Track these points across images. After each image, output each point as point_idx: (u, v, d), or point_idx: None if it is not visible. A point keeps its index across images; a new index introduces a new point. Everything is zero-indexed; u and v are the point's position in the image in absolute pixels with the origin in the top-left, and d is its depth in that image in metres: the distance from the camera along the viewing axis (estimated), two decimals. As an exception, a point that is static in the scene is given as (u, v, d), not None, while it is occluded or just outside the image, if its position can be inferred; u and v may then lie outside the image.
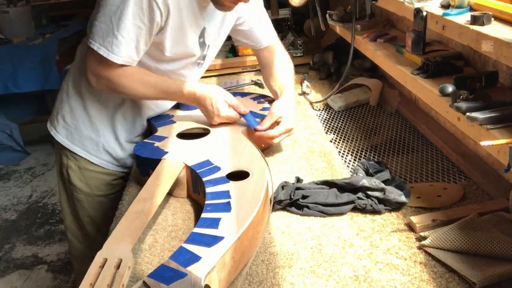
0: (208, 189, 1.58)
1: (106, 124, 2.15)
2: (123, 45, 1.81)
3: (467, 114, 1.45)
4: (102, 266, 1.29)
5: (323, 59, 2.96)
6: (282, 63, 2.34)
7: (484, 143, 1.32)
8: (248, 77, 3.00)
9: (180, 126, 2.06)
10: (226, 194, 1.54)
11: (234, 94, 2.37)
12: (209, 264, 1.25)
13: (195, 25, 1.96)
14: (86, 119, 2.14)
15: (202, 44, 2.05)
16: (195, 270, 1.23)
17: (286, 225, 1.59)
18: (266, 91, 2.62)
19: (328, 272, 1.37)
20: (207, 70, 2.90)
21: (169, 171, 1.72)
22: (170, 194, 1.78)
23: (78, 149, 2.18)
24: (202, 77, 2.97)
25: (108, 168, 2.22)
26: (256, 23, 2.27)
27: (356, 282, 1.32)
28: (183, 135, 1.97)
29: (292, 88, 2.26)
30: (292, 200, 1.64)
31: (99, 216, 2.29)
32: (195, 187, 1.73)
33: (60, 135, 2.19)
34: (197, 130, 2.03)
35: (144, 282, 1.21)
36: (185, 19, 1.90)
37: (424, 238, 1.43)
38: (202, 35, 2.02)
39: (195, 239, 1.36)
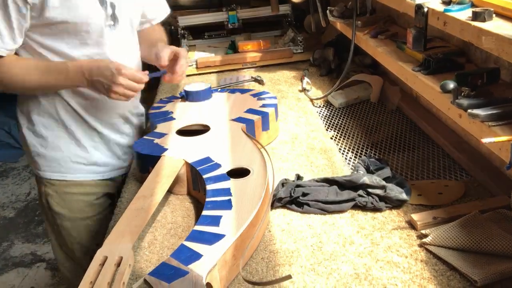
0: (209, 187, 1.58)
1: (59, 134, 2.05)
2: None
3: (469, 111, 1.44)
4: (102, 264, 1.29)
5: (324, 56, 2.96)
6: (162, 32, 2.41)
7: (485, 140, 1.32)
8: (248, 74, 2.99)
9: (180, 122, 2.06)
10: (227, 192, 1.54)
11: (233, 90, 2.37)
12: (211, 262, 1.25)
13: None
14: (39, 141, 2.06)
15: (103, 2, 1.91)
16: (197, 268, 1.23)
17: (286, 222, 1.59)
18: (266, 88, 2.62)
19: (328, 270, 1.37)
20: (206, 67, 2.91)
21: (169, 168, 1.72)
22: (169, 191, 1.78)
23: (49, 173, 2.09)
24: (200, 73, 2.98)
25: (86, 181, 2.12)
26: None
27: (356, 280, 1.32)
28: (182, 132, 1.97)
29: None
30: (292, 197, 1.64)
31: (87, 240, 2.19)
32: (195, 184, 1.73)
33: (32, 166, 2.14)
34: (197, 127, 2.03)
35: (145, 280, 1.21)
36: None
37: (425, 235, 1.43)
38: None
39: (196, 236, 1.36)
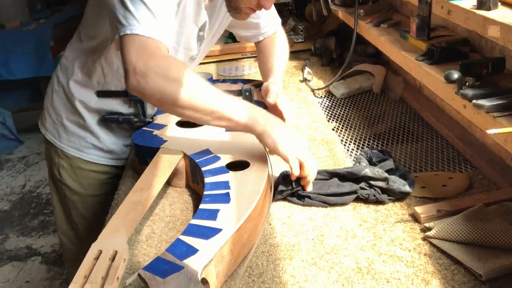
0: (207, 179, 1.58)
1: (93, 118, 2.07)
2: (157, 19, 1.52)
3: (473, 101, 1.44)
4: (97, 258, 1.29)
5: (325, 45, 2.96)
6: (281, 51, 2.30)
7: (490, 131, 1.32)
8: (247, 63, 2.99)
9: None
10: (226, 185, 1.54)
11: (235, 81, 2.37)
12: (207, 257, 1.25)
13: (198, 17, 1.85)
14: (72, 115, 2.07)
15: (200, 38, 1.95)
16: (192, 263, 1.22)
17: (287, 215, 1.59)
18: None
19: (330, 264, 1.37)
20: (206, 56, 2.90)
21: (167, 160, 1.72)
22: (168, 183, 1.78)
23: (67, 147, 2.12)
24: (200, 63, 2.97)
25: (101, 164, 2.16)
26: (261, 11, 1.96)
27: (359, 274, 1.32)
28: (182, 123, 1.97)
29: (282, 71, 2.23)
30: (293, 190, 1.64)
31: (92, 216, 2.23)
32: (194, 177, 1.73)
33: (49, 133, 2.14)
34: None
35: (139, 275, 1.21)
36: (190, 8, 1.79)
37: (429, 229, 1.43)
38: (202, 28, 1.91)
39: (192, 231, 1.35)
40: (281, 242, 1.47)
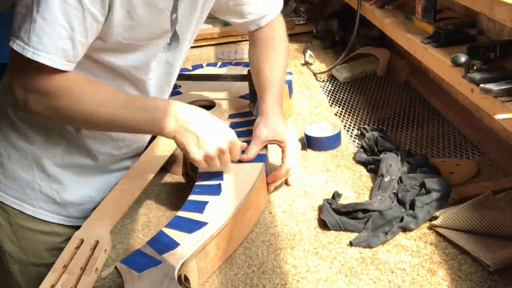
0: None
1: (44, 150, 1.64)
2: (47, 33, 1.28)
3: (481, 85, 1.43)
4: (78, 247, 1.29)
5: (328, 27, 2.94)
6: (281, 48, 1.86)
7: (499, 116, 1.31)
8: (247, 47, 2.98)
9: (185, 97, 2.00)
10: (219, 175, 1.53)
11: (236, 64, 2.34)
12: (187, 251, 1.23)
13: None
14: (12, 149, 1.64)
15: (174, 22, 1.56)
16: (171, 257, 1.21)
17: (288, 204, 1.58)
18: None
19: (332, 254, 1.36)
20: (204, 39, 2.88)
21: (164, 146, 1.71)
22: (167, 171, 1.77)
23: (3, 195, 1.66)
24: (197, 46, 2.95)
25: (51, 222, 1.69)
26: None
27: (362, 265, 1.31)
28: None
29: (281, 88, 1.79)
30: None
31: None
32: (191, 165, 1.71)
33: None
34: (203, 103, 2.00)
35: (116, 268, 1.20)
36: None
37: (435, 217, 1.42)
38: (174, 9, 1.53)
39: (176, 223, 1.34)
40: (282, 231, 1.46)
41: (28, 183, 1.64)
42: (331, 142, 1.87)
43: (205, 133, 1.45)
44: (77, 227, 1.43)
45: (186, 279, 1.22)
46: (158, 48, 1.58)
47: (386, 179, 1.57)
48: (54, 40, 1.29)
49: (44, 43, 1.28)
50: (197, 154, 1.45)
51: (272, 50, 1.83)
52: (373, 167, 1.68)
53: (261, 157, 1.59)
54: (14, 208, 1.66)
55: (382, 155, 1.67)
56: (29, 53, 1.28)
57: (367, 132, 1.82)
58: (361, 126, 2.05)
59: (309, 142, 1.88)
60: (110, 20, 1.38)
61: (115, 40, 1.44)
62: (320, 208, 1.51)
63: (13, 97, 1.40)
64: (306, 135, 1.88)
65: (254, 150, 1.59)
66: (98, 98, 1.42)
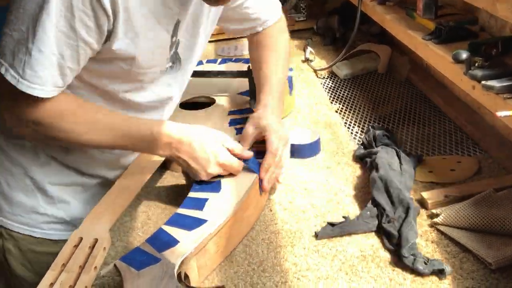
0: None
1: (37, 171, 1.61)
2: (42, 64, 1.26)
3: (483, 82, 1.43)
4: (77, 246, 1.29)
5: (328, 24, 2.94)
6: (283, 50, 1.87)
7: (500, 113, 1.31)
8: (247, 43, 2.97)
9: (186, 94, 1.95)
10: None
11: (236, 61, 2.33)
12: (187, 249, 1.22)
13: (166, 19, 1.44)
14: (9, 175, 1.61)
15: (174, 44, 1.54)
16: (170, 255, 1.20)
17: (288, 201, 1.58)
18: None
19: (333, 252, 1.36)
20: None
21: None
22: (166, 168, 1.76)
23: (11, 223, 1.63)
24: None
25: (64, 240, 1.50)
26: None
27: (363, 262, 1.31)
28: (186, 105, 1.94)
29: (282, 89, 1.78)
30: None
31: None
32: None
33: None
34: (203, 99, 1.99)
35: (115, 266, 1.20)
36: (151, 12, 1.38)
37: (437, 215, 1.41)
38: (175, 31, 1.50)
39: (176, 220, 1.34)
40: (282, 229, 1.46)
41: (32, 207, 1.62)
42: (309, 150, 1.82)
43: (202, 154, 1.46)
44: None
45: (186, 276, 1.21)
46: (156, 74, 1.56)
47: (379, 174, 1.55)
48: (48, 71, 1.27)
49: (38, 75, 1.26)
50: (201, 177, 1.48)
51: (273, 52, 1.83)
52: (370, 160, 1.66)
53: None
54: (23, 234, 1.63)
55: (378, 149, 1.67)
56: (24, 87, 1.27)
57: (375, 130, 1.81)
58: (366, 124, 2.05)
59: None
60: (110, 48, 1.35)
61: (114, 68, 1.43)
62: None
63: (1, 123, 1.39)
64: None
65: (240, 147, 1.54)
66: (92, 128, 1.42)
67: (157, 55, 1.48)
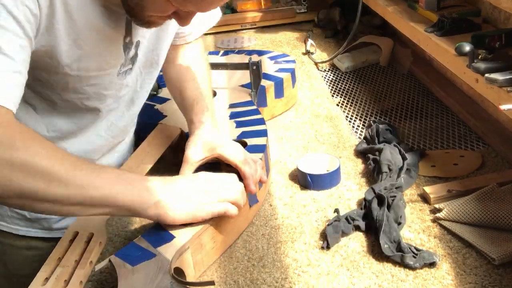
0: None
1: None
2: None
3: (486, 75, 1.42)
4: (72, 240, 1.29)
5: (329, 16, 2.93)
6: (205, 66, 1.73)
7: (504, 106, 1.30)
8: (247, 35, 2.97)
9: None
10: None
11: (251, 52, 2.32)
12: (182, 244, 1.22)
13: (113, 18, 1.30)
14: None
15: (128, 45, 1.40)
16: (166, 250, 1.20)
17: (289, 195, 1.58)
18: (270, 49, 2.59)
19: (334, 247, 1.35)
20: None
21: (163, 136, 1.70)
22: (166, 161, 1.76)
23: None
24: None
25: (29, 236, 1.59)
26: None
27: (364, 258, 1.31)
28: None
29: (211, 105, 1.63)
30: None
31: None
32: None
33: None
34: None
35: (110, 261, 1.19)
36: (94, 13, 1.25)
37: (439, 210, 1.41)
38: (128, 31, 1.36)
39: None
40: (283, 224, 1.46)
41: None
42: (329, 181, 1.62)
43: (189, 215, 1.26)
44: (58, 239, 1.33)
45: (181, 272, 1.21)
46: (112, 77, 1.41)
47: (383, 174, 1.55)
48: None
49: None
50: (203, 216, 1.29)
51: (196, 67, 1.68)
52: (372, 157, 1.65)
53: (261, 148, 1.58)
54: None
55: (381, 145, 1.67)
56: None
57: (378, 124, 1.81)
58: (368, 118, 2.04)
59: (303, 179, 1.63)
60: (55, 50, 1.22)
61: (61, 72, 1.28)
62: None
63: None
64: (300, 171, 1.63)
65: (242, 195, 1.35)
66: (68, 164, 1.12)
67: (106, 57, 1.36)
